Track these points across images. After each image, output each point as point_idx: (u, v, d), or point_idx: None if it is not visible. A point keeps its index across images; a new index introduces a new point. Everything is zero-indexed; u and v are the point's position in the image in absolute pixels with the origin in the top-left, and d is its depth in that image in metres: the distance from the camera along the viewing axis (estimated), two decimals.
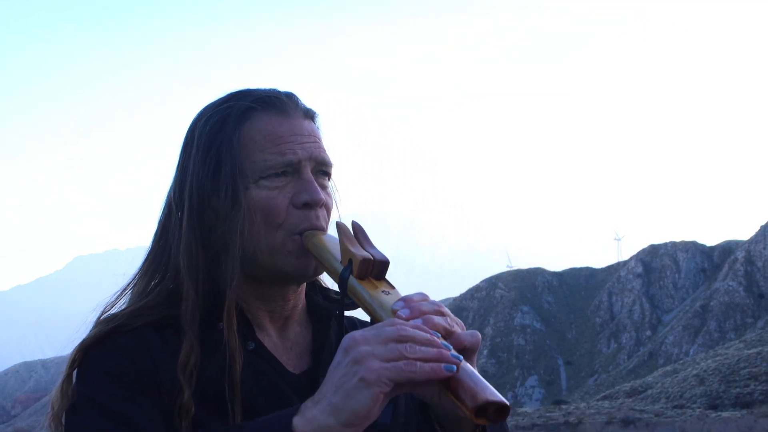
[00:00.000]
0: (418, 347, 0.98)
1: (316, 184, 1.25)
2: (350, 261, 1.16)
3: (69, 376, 1.21)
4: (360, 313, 1.24)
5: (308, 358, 1.30)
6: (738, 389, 42.83)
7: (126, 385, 1.15)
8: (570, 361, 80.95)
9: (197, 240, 1.24)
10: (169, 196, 1.31)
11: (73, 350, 1.22)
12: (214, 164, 1.24)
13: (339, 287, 1.18)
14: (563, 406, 47.05)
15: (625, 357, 77.30)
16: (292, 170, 1.24)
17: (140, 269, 1.31)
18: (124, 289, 1.31)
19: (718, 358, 50.38)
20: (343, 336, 1.05)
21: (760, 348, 48.83)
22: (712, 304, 73.92)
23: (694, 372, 48.47)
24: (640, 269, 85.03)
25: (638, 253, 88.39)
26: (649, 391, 49.01)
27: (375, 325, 1.02)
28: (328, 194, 1.29)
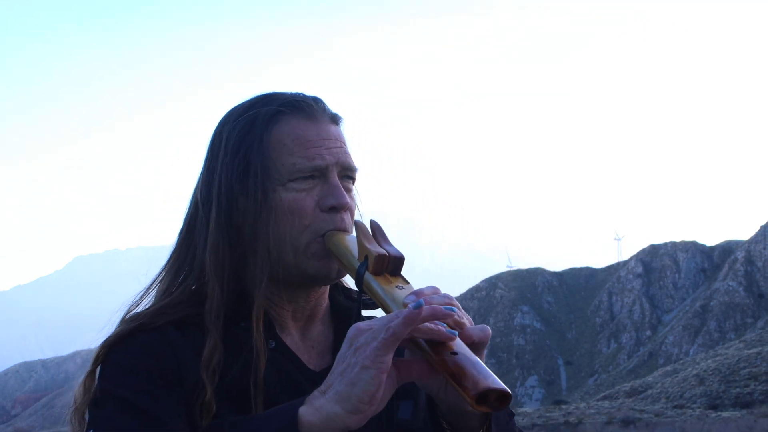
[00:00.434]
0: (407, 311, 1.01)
1: (342, 188, 1.28)
2: (366, 257, 1.19)
3: (92, 371, 1.23)
4: (381, 314, 1.25)
5: (329, 356, 1.33)
6: (738, 389, 42.82)
7: (149, 381, 1.17)
8: (570, 361, 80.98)
9: (224, 239, 1.27)
10: (195, 196, 1.33)
11: (97, 347, 1.24)
12: (243, 166, 1.27)
13: (355, 283, 1.21)
14: (563, 406, 47.03)
15: (625, 357, 77.32)
16: (319, 174, 1.27)
17: (165, 267, 1.34)
18: (149, 288, 1.33)
19: (718, 358, 50.37)
20: None
21: (760, 348, 48.82)
22: (712, 304, 73.94)
23: (694, 372, 48.47)
24: (640, 269, 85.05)
25: (638, 253, 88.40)
26: (649, 391, 49.00)
27: (381, 317, 1.06)
28: (352, 197, 1.32)
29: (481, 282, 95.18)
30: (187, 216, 1.34)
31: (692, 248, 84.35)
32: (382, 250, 1.18)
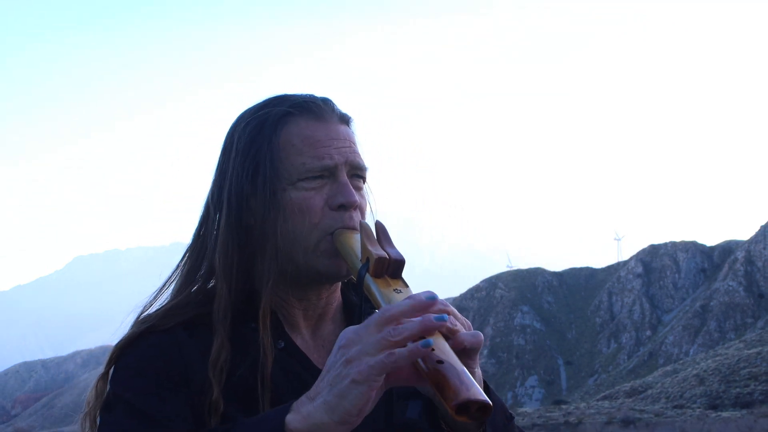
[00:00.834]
0: (401, 326, 1.01)
1: (351, 187, 1.30)
2: (368, 259, 1.20)
3: (105, 374, 1.26)
4: None
5: None
6: (738, 389, 42.81)
7: (156, 383, 1.19)
8: (570, 361, 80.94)
9: (234, 240, 1.29)
10: (207, 198, 1.36)
11: (111, 350, 1.27)
12: (254, 166, 1.30)
13: (357, 284, 1.23)
14: (563, 406, 47.00)
15: (625, 357, 77.29)
16: (328, 173, 1.30)
17: (177, 267, 1.36)
18: (162, 289, 1.36)
19: (718, 358, 50.34)
20: None
21: (760, 348, 48.79)
22: (712, 304, 73.91)
23: (694, 372, 48.44)
24: (640, 269, 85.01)
25: (638, 253, 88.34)
26: (649, 391, 48.98)
27: (367, 319, 1.06)
28: (362, 196, 1.34)
29: (481, 282, 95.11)
30: (200, 217, 1.37)
31: (692, 248, 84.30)
32: (383, 253, 1.19)
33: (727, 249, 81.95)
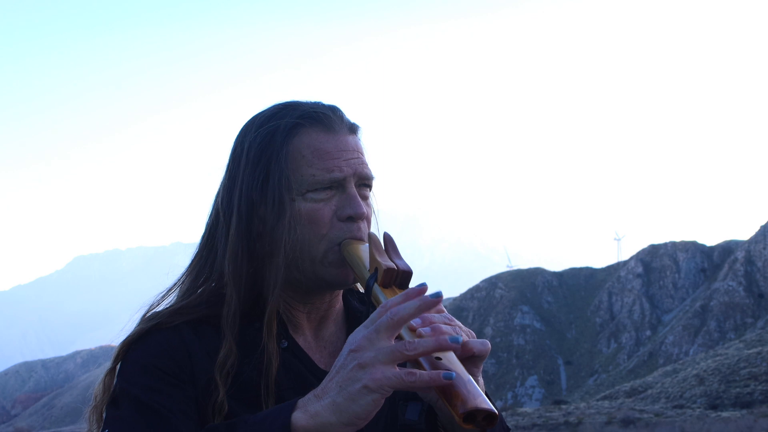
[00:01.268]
0: (417, 341, 1.05)
1: (359, 199, 1.33)
2: (376, 269, 1.23)
3: (112, 369, 1.29)
4: None
5: None
6: (738, 389, 42.78)
7: (162, 379, 1.22)
8: (570, 361, 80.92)
9: (243, 247, 1.31)
10: (216, 203, 1.38)
11: (117, 346, 1.29)
12: (263, 176, 1.31)
13: (365, 294, 1.26)
14: (563, 406, 46.96)
15: (625, 357, 77.27)
16: (337, 185, 1.32)
17: (187, 270, 1.39)
18: (170, 289, 1.38)
19: (718, 358, 50.31)
20: None
21: (760, 348, 48.75)
22: (712, 304, 73.88)
23: (694, 372, 48.42)
24: (640, 269, 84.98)
25: (638, 253, 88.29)
26: (649, 391, 48.95)
27: (370, 318, 1.08)
28: (369, 205, 1.37)
29: (481, 282, 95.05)
30: (208, 222, 1.39)
31: (692, 248, 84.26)
32: (391, 264, 1.22)
33: (727, 249, 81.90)
